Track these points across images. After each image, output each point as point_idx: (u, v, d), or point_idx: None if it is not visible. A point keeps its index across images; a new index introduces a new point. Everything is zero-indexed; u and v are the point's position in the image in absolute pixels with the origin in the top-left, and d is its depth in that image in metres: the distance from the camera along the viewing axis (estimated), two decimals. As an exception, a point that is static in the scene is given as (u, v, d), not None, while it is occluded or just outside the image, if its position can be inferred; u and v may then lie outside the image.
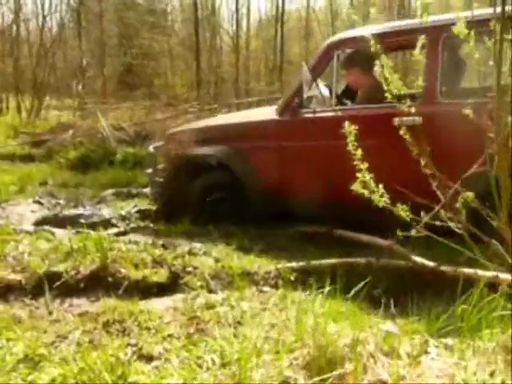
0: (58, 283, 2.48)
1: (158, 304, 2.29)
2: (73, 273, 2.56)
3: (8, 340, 1.82)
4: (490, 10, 1.39)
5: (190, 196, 3.62)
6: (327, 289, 2.09)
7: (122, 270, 2.54)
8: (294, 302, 2.15)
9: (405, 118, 2.83)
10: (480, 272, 1.74)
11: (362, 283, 2.29)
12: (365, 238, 2.56)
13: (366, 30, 3.18)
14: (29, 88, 12.98)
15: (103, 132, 7.82)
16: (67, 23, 15.84)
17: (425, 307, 2.19)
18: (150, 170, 4.06)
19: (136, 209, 4.10)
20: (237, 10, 17.16)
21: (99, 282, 2.53)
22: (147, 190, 4.64)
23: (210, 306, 2.17)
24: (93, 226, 3.61)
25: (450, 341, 1.58)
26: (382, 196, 1.90)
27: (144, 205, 4.31)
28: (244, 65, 17.15)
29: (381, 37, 2.90)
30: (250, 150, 3.36)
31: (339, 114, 3.11)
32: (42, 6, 15.67)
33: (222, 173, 3.49)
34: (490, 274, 1.66)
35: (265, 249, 2.98)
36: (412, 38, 2.88)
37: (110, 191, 5.08)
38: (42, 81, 12.16)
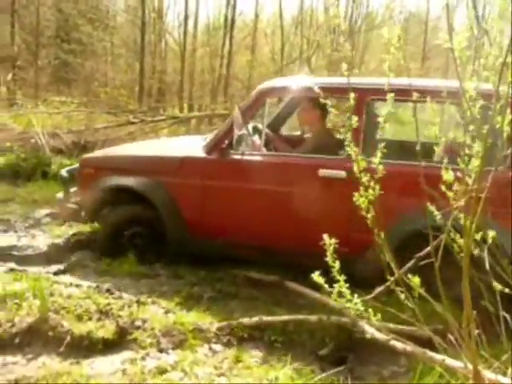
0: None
1: (105, 365, 2.18)
2: (7, 326, 2.36)
3: None
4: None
5: (104, 228, 3.46)
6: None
7: (65, 324, 2.38)
8: (247, 367, 2.15)
9: (329, 171, 2.96)
10: (429, 353, 1.84)
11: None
12: (317, 295, 2.61)
13: (297, 81, 3.27)
14: None
15: (37, 139, 7.30)
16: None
17: (373, 371, 2.30)
18: (60, 195, 3.76)
19: (75, 238, 3.86)
20: (185, 17, 16.92)
21: (37, 337, 2.35)
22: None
23: (161, 371, 2.10)
24: (28, 260, 3.37)
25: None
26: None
27: (83, 231, 4.07)
28: (189, 72, 16.91)
29: (310, 90, 2.95)
30: (173, 185, 3.25)
31: (267, 159, 3.17)
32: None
33: (140, 206, 3.34)
34: (439, 357, 1.75)
35: (214, 296, 2.95)
36: (340, 96, 2.95)
37: (45, 211, 4.75)
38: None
